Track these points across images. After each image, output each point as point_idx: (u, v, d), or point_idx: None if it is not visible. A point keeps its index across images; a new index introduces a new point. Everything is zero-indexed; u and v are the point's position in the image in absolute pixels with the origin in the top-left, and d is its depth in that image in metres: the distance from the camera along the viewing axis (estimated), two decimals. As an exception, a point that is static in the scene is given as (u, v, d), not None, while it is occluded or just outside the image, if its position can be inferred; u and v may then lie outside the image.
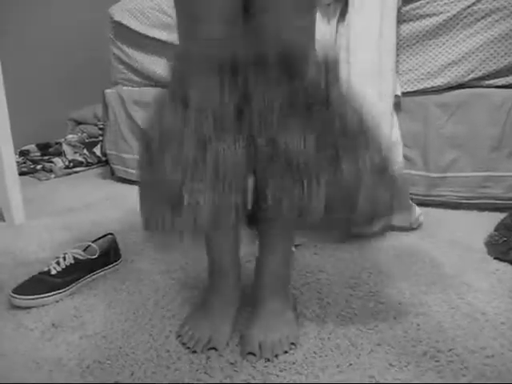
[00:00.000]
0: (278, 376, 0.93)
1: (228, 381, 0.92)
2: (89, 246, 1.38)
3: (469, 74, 1.69)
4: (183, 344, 1.03)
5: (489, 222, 1.64)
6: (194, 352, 1.00)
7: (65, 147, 2.71)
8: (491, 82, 1.69)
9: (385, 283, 1.26)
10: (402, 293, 1.21)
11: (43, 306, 1.22)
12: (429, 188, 1.78)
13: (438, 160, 1.76)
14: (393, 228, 1.61)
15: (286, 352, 1.00)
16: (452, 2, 1.66)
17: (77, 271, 1.31)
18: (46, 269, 1.29)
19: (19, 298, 1.21)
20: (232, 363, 0.97)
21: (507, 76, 1.67)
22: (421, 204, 1.77)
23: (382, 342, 1.02)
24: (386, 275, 1.31)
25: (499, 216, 1.67)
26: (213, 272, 1.12)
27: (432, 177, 1.77)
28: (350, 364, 0.96)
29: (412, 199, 1.73)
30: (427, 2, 1.68)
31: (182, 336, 1.05)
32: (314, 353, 1.00)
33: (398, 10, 1.68)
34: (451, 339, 1.02)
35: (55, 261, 1.30)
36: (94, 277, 1.35)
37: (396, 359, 0.96)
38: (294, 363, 0.97)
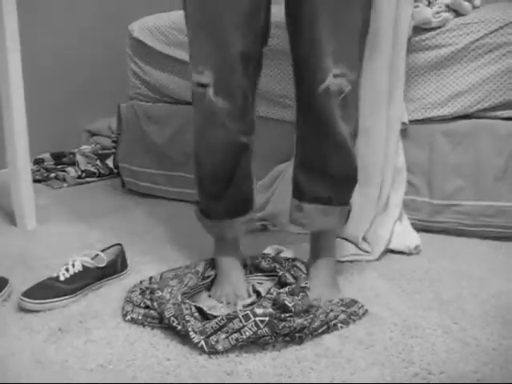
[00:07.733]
0: (273, 388, 0.97)
1: (225, 391, 0.96)
2: (97, 254, 1.43)
3: (475, 105, 1.73)
4: (221, 302, 1.29)
5: (489, 250, 1.67)
6: (228, 303, 1.27)
7: (78, 157, 2.77)
8: (497, 113, 1.73)
9: (382, 305, 1.29)
10: (398, 315, 1.24)
11: (50, 310, 1.26)
12: (431, 214, 1.81)
13: (442, 187, 1.79)
14: (392, 251, 1.65)
15: None
16: (461, 35, 1.70)
17: (85, 279, 1.35)
18: (55, 275, 1.33)
19: (28, 302, 1.25)
20: (229, 374, 1.01)
21: (513, 109, 1.72)
22: (423, 230, 1.80)
23: (376, 362, 1.05)
24: (383, 297, 1.34)
25: (500, 245, 1.70)
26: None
27: (435, 204, 1.80)
28: (344, 380, 0.99)
29: (414, 225, 1.76)
30: (437, 34, 1.73)
31: (217, 298, 1.31)
32: (311, 368, 1.03)
33: (409, 39, 1.73)
34: (443, 362, 1.05)
35: (64, 267, 1.35)
36: (100, 285, 1.40)
37: (388, 379, 1.00)
38: (289, 377, 1.00)
